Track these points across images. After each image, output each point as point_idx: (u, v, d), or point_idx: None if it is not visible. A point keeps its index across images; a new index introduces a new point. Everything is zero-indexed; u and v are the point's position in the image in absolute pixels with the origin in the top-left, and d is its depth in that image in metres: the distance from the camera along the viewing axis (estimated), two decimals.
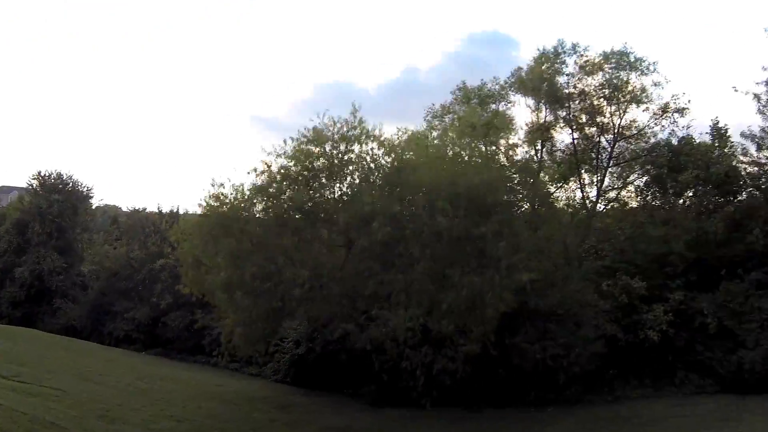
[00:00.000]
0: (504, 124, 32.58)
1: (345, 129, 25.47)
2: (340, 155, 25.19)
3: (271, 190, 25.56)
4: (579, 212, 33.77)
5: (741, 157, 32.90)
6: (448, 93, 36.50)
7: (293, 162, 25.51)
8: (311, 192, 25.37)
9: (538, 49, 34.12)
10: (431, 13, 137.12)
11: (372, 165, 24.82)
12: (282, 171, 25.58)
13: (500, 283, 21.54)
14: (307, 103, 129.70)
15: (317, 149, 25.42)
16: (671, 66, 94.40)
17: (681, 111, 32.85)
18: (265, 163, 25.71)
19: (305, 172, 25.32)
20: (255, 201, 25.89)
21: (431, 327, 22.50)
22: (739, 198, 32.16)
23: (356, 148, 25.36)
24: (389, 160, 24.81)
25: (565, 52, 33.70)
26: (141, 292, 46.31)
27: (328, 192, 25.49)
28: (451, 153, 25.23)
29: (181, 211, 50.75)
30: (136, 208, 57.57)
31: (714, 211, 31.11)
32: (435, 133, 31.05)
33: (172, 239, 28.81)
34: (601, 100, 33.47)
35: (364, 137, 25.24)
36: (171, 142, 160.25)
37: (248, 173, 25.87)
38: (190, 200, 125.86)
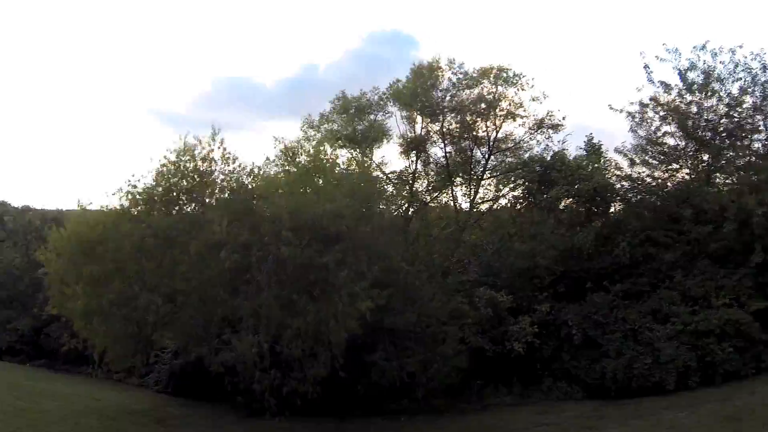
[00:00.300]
0: (380, 135, 34.58)
1: (207, 150, 26.87)
2: (199, 178, 26.59)
3: (134, 211, 26.75)
4: (449, 225, 35.72)
5: (616, 172, 35.88)
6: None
7: (155, 183, 26.77)
8: (171, 215, 26.60)
9: (414, 64, 36.21)
10: (333, 10, 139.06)
11: (227, 191, 26.33)
12: (145, 192, 26.63)
13: (343, 310, 23.33)
14: (206, 97, 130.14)
15: (178, 171, 26.66)
16: (556, 82, 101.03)
17: (555, 127, 35.44)
18: (131, 184, 26.57)
19: (166, 196, 26.61)
20: (119, 223, 26.53)
21: (279, 351, 24.17)
22: (611, 212, 34.89)
23: (217, 170, 26.84)
24: (245, 185, 26.34)
25: (440, 68, 35.75)
26: (24, 301, 45.92)
27: (186, 217, 26.75)
28: (304, 178, 26.66)
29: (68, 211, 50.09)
30: (25, 206, 57.17)
31: (583, 225, 33.59)
32: (308, 146, 32.67)
33: (40, 259, 29.61)
34: (475, 114, 35.54)
35: (222, 160, 26.74)
36: (65, 135, 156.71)
37: (113, 194, 26.60)
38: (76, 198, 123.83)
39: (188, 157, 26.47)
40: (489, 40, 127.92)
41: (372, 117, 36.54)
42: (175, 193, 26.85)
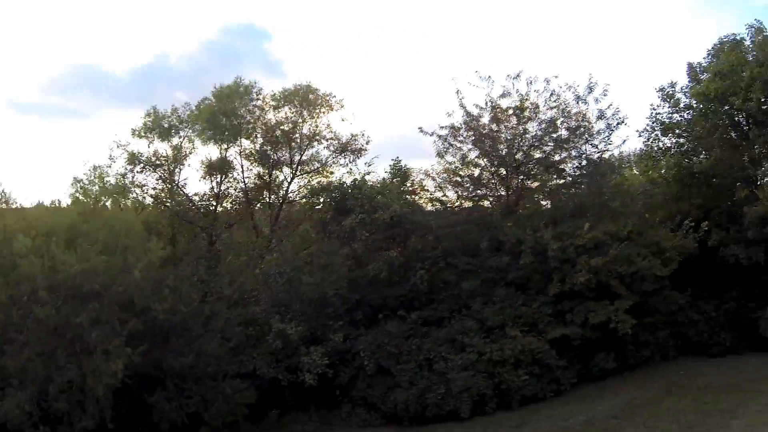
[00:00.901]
0: (182, 157, 36.95)
1: None
2: None
3: None
4: (245, 253, 37.59)
5: (424, 196, 39.55)
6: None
7: None
8: None
9: (215, 86, 37.75)
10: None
11: None
12: None
13: (99, 368, 26.10)
14: (56, 83, 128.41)
15: None
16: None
17: (358, 151, 38.37)
18: None
19: None
20: None
21: (47, 406, 26.43)
22: (411, 239, 37.82)
23: None
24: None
25: (244, 89, 37.85)
26: None
27: None
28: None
29: None
30: None
31: (379, 252, 36.34)
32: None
33: None
34: (276, 137, 37.98)
35: None
36: None
37: None
38: None
39: None
40: (340, 38, 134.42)
41: (178, 138, 37.91)
42: None
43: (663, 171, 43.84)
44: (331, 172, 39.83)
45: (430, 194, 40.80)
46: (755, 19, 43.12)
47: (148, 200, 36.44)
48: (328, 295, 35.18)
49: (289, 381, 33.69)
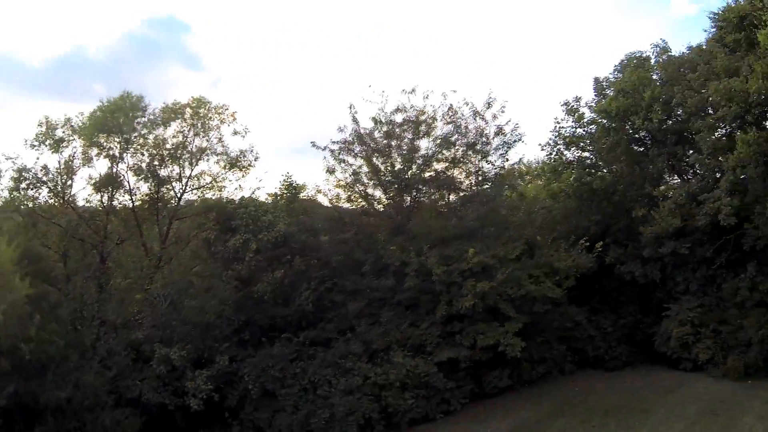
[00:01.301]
0: (72, 171, 37.31)
1: None
2: None
3: None
4: (131, 274, 37.47)
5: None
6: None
7: None
8: None
9: (101, 101, 37.74)
10: None
11: None
12: None
13: None
14: None
15: None
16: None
17: (246, 168, 39.08)
18: None
19: None
20: None
21: None
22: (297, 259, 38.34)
23: None
24: None
25: (131, 104, 37.83)
26: None
27: None
28: None
29: None
30: None
31: (266, 272, 37.20)
32: None
33: None
34: (168, 150, 38.35)
35: None
36: None
37: None
38: None
39: None
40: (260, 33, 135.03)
41: (66, 153, 37.69)
42: None
43: (564, 185, 45.22)
44: (223, 188, 40.95)
45: (324, 210, 41.66)
46: (661, 39, 45.05)
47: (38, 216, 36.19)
48: (211, 318, 35.94)
49: (177, 405, 34.50)
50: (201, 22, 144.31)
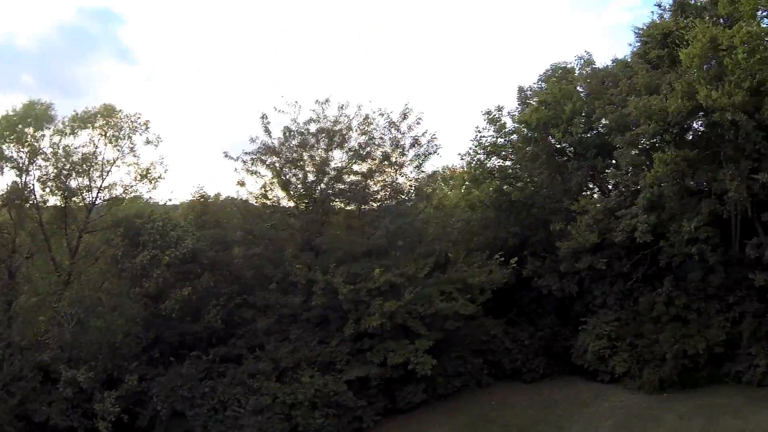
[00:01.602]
0: None
1: None
2: None
3: None
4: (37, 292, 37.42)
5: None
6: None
7: None
8: None
9: (6, 111, 37.19)
10: None
11: None
12: None
13: None
14: None
15: None
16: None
17: (154, 180, 39.04)
18: None
19: None
20: None
21: None
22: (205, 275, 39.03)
23: None
24: None
25: (38, 113, 37.46)
26: None
27: None
28: None
29: None
30: None
31: (174, 289, 37.49)
32: None
33: None
34: (76, 161, 37.98)
35: None
36: None
37: None
38: None
39: None
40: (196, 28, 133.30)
41: None
42: None
43: (483, 196, 45.95)
44: (135, 199, 40.94)
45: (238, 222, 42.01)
46: (585, 51, 45.70)
47: None
48: (119, 337, 36.14)
49: (87, 428, 34.89)
50: (135, 15, 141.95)
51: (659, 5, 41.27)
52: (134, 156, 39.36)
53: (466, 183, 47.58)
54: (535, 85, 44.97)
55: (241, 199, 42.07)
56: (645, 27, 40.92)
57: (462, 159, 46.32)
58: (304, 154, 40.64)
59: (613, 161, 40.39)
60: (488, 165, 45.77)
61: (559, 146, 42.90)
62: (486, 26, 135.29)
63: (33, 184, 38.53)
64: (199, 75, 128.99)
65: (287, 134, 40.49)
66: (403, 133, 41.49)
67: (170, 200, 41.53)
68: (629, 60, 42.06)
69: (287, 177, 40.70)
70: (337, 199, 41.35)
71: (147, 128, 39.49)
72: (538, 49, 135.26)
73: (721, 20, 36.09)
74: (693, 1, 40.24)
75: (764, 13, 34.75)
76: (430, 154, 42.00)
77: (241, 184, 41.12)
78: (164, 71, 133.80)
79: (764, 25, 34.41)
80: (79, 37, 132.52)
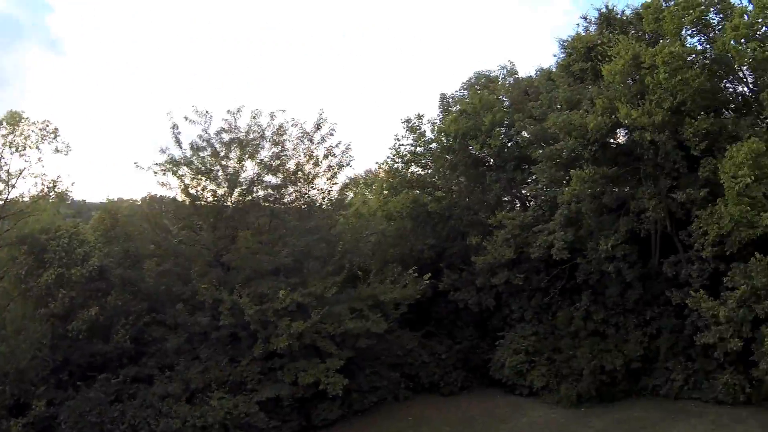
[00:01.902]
0: None
1: None
2: None
3: None
4: None
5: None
6: None
7: None
8: None
9: None
10: None
11: None
12: None
13: None
14: None
15: None
16: None
17: (61, 196, 37.81)
18: None
19: None
20: None
21: None
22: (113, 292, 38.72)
23: None
24: None
25: None
26: None
27: None
28: None
29: None
30: None
31: (82, 309, 37.07)
32: None
33: None
34: None
35: None
36: None
37: None
38: None
39: None
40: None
41: None
42: None
43: (400, 206, 46.12)
44: (42, 213, 39.40)
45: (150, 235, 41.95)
46: (509, 60, 45.98)
47: None
48: (25, 362, 35.66)
49: None
50: (64, 3, 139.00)
51: (585, 18, 41.76)
52: (42, 167, 37.78)
53: (384, 191, 47.55)
54: (458, 93, 45.48)
55: (152, 211, 41.92)
56: (569, 39, 41.17)
57: (380, 168, 46.47)
58: (215, 165, 40.04)
59: (533, 174, 40.79)
60: (407, 175, 46.18)
61: (479, 155, 43.20)
62: (427, 24, 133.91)
63: None
64: (126, 68, 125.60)
65: (196, 146, 39.99)
66: (317, 144, 41.22)
67: (78, 214, 39.81)
68: (553, 70, 42.50)
69: (196, 191, 40.30)
70: (248, 213, 40.74)
71: (56, 136, 37.86)
72: (481, 50, 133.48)
73: (646, 35, 36.67)
74: (619, 15, 40.62)
75: (688, 32, 35.02)
76: (344, 165, 41.63)
77: (151, 197, 41.21)
78: (93, 61, 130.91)
79: (688, 45, 34.93)
80: (6, 25, 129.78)
